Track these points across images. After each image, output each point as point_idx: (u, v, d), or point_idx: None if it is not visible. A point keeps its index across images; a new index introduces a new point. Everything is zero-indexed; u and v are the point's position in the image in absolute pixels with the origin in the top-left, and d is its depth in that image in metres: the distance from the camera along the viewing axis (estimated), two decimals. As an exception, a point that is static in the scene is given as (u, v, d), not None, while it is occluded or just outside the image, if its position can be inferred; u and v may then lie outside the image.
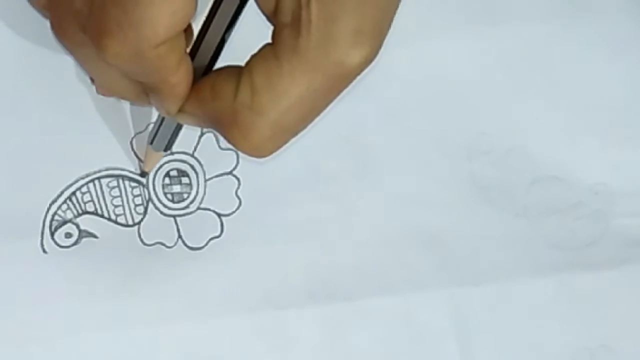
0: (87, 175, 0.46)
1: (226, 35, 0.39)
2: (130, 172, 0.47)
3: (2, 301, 0.45)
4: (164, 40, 0.36)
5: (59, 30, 0.40)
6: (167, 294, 0.47)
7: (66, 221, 0.46)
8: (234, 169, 0.48)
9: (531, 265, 0.50)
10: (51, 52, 0.45)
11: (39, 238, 0.45)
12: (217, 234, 0.47)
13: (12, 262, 0.45)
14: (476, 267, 0.50)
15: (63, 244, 0.46)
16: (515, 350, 0.50)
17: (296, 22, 0.36)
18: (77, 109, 0.45)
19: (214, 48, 0.40)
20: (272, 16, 0.38)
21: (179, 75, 0.39)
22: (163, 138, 0.44)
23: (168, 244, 0.47)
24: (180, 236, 0.47)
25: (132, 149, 0.46)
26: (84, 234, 0.46)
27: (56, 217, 0.45)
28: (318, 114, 0.38)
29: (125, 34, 0.36)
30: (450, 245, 0.49)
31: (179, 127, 0.44)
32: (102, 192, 0.46)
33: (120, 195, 0.46)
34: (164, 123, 0.43)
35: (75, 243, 0.46)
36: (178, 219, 0.47)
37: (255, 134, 0.38)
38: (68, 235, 0.46)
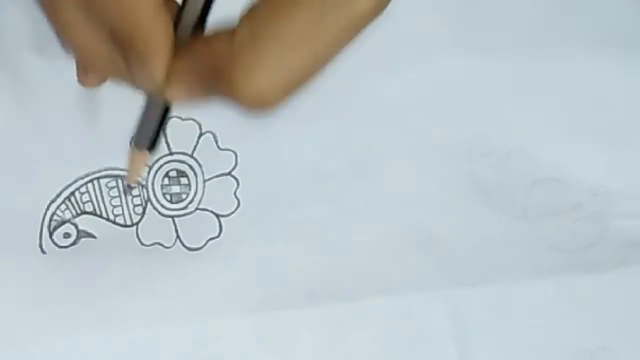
0: (86, 176, 0.46)
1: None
2: (129, 172, 0.47)
3: (1, 301, 0.45)
4: None
5: None
6: (165, 295, 0.46)
7: (65, 221, 0.46)
8: (233, 169, 0.48)
9: (530, 266, 0.50)
10: (51, 53, 0.45)
11: (38, 238, 0.45)
12: (216, 234, 0.47)
13: (10, 263, 0.45)
14: (475, 268, 0.50)
15: (61, 244, 0.46)
16: (514, 352, 0.50)
17: None
18: (76, 110, 0.45)
19: (199, 11, 0.37)
20: None
21: (159, 27, 0.36)
22: (147, 133, 0.41)
23: (166, 245, 0.47)
24: (178, 237, 0.47)
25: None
26: (82, 234, 0.46)
27: (55, 217, 0.45)
28: (322, 64, 0.35)
29: None
30: (450, 246, 0.49)
31: (164, 119, 0.41)
32: (101, 192, 0.46)
33: (119, 196, 0.46)
34: (148, 114, 0.40)
35: (74, 243, 0.46)
36: (176, 219, 0.47)
37: (258, 77, 0.35)
38: (66, 235, 0.46)
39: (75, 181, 0.46)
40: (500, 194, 0.50)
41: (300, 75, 0.35)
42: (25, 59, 0.45)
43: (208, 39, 0.36)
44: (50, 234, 0.45)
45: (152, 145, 0.41)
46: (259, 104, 0.35)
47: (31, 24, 0.45)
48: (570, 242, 0.50)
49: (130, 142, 0.42)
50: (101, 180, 0.46)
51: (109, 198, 0.46)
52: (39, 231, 0.45)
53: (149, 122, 0.41)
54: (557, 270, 0.50)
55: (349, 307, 0.48)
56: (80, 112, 0.46)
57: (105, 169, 0.46)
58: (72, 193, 0.46)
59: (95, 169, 0.46)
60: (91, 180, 0.46)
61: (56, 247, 0.45)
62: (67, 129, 0.45)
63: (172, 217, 0.47)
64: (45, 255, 0.45)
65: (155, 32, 0.36)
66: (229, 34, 0.35)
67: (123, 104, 0.45)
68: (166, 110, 0.40)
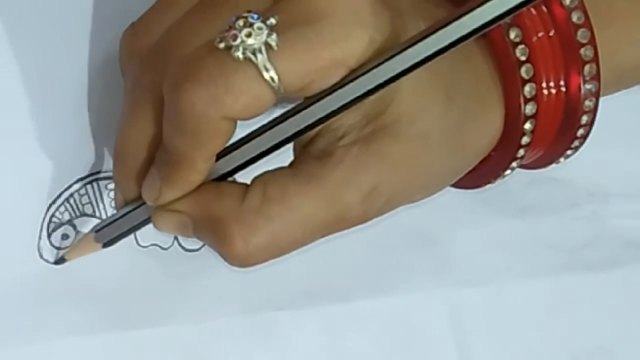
0: (86, 177, 0.46)
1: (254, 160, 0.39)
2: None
3: (1, 302, 0.45)
4: (233, 116, 0.36)
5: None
6: (163, 295, 0.47)
7: (63, 223, 0.46)
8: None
9: (528, 266, 0.50)
10: (52, 53, 0.45)
11: (37, 239, 0.45)
12: (215, 235, 0.47)
13: (9, 264, 0.45)
14: (473, 269, 0.50)
15: (59, 246, 0.46)
16: (512, 352, 0.50)
17: (326, 156, 0.38)
18: (77, 110, 0.46)
19: (235, 165, 0.39)
20: (301, 148, 0.39)
21: (205, 162, 0.38)
22: (113, 233, 0.43)
23: (164, 246, 0.47)
24: (176, 238, 0.47)
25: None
26: (80, 235, 0.46)
27: (54, 219, 0.45)
28: (305, 244, 0.39)
29: (207, 89, 0.36)
30: (448, 247, 0.49)
31: (137, 229, 0.43)
32: (101, 194, 0.46)
33: (119, 197, 0.46)
34: (126, 219, 0.42)
35: (72, 244, 0.46)
36: (175, 220, 0.47)
37: (253, 239, 0.38)
38: (65, 236, 0.46)
39: (75, 182, 0.46)
40: (498, 193, 0.49)
41: (287, 247, 0.39)
42: (25, 59, 0.45)
43: (220, 189, 0.39)
44: (49, 235, 0.45)
45: (109, 244, 0.43)
46: (242, 263, 0.39)
47: (31, 23, 0.45)
48: (567, 242, 0.50)
49: (93, 229, 0.44)
50: (100, 182, 0.46)
51: (109, 200, 0.46)
52: (38, 233, 0.45)
53: (122, 225, 0.42)
54: (554, 269, 0.50)
55: (348, 308, 0.48)
56: (81, 113, 0.46)
57: (105, 171, 0.46)
58: (72, 195, 0.46)
59: (95, 171, 0.46)
60: (90, 182, 0.46)
61: (54, 249, 0.45)
62: (67, 130, 0.45)
63: (170, 218, 0.47)
64: (42, 257, 0.45)
65: (199, 166, 0.38)
66: (242, 189, 0.39)
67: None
68: (143, 223, 0.42)
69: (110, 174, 0.46)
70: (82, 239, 0.44)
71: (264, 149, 0.38)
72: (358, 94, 0.37)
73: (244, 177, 0.40)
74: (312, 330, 0.48)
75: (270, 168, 0.39)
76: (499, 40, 0.40)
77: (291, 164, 0.39)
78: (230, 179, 0.40)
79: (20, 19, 0.44)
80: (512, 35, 0.40)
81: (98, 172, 0.46)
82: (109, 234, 0.43)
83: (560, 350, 0.50)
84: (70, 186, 0.46)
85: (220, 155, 0.39)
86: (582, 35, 0.40)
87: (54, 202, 0.45)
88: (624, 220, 0.50)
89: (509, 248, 0.50)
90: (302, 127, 0.37)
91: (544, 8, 0.40)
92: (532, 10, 0.40)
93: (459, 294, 0.49)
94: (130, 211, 0.42)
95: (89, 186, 0.46)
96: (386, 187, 0.39)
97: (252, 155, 0.38)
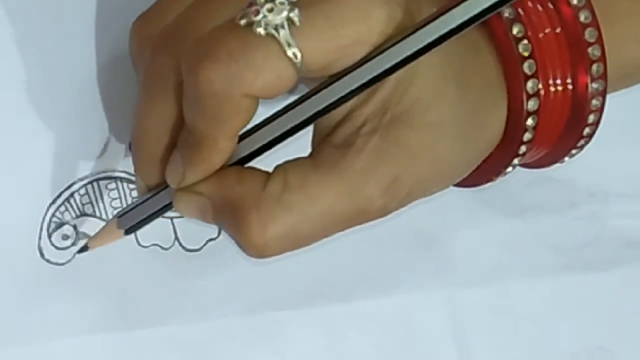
0: (86, 177, 0.46)
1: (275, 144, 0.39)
2: (129, 174, 0.47)
3: (1, 302, 0.45)
4: (254, 93, 0.36)
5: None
6: (164, 296, 0.47)
7: (64, 223, 0.46)
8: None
9: (528, 266, 0.50)
10: (52, 51, 0.45)
11: (37, 239, 0.45)
12: (215, 235, 0.47)
13: (10, 264, 0.45)
14: (474, 269, 0.50)
15: (60, 246, 0.46)
16: (513, 352, 0.50)
17: (347, 146, 0.38)
18: (77, 110, 0.46)
19: (259, 146, 0.39)
20: (321, 138, 0.39)
21: (228, 141, 0.38)
22: (135, 219, 0.42)
23: (164, 246, 0.47)
24: (177, 238, 0.47)
25: (131, 151, 0.46)
26: (81, 235, 0.46)
27: (54, 219, 0.45)
28: (324, 237, 0.39)
29: (228, 67, 0.35)
30: (448, 247, 0.49)
31: (159, 215, 0.42)
32: (101, 194, 0.46)
33: (119, 197, 0.47)
34: (148, 204, 0.42)
35: (73, 245, 0.46)
36: (175, 220, 0.47)
37: (272, 228, 0.37)
38: (65, 237, 0.46)
39: (75, 183, 0.46)
40: (498, 193, 0.50)
41: (305, 239, 0.39)
42: (25, 58, 0.45)
43: (242, 174, 0.38)
44: (49, 236, 0.45)
45: (131, 231, 0.43)
46: (259, 253, 0.38)
47: (31, 22, 0.45)
48: (567, 242, 0.50)
49: (116, 215, 0.43)
50: (101, 182, 0.46)
51: (109, 200, 0.46)
52: (38, 233, 0.45)
53: (144, 211, 0.42)
54: (555, 269, 0.50)
55: (348, 308, 0.48)
56: (82, 113, 0.46)
57: (105, 171, 0.46)
58: (72, 195, 0.46)
59: (95, 171, 0.46)
60: (91, 182, 0.46)
61: (55, 249, 0.45)
62: (67, 130, 0.45)
63: (171, 218, 0.47)
64: (43, 257, 0.45)
65: (222, 146, 0.38)
66: (264, 176, 0.38)
67: (125, 104, 0.46)
68: (165, 208, 0.41)
69: (111, 174, 0.46)
70: (104, 226, 0.44)
71: (287, 128, 0.38)
72: (379, 71, 0.36)
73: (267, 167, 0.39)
74: (312, 330, 0.48)
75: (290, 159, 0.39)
76: (501, 35, 0.40)
77: (311, 154, 0.39)
78: (251, 163, 0.39)
79: (24, 17, 0.44)
80: (515, 30, 0.40)
81: (98, 172, 0.46)
82: (131, 220, 0.42)
83: (560, 350, 0.50)
84: (70, 186, 0.46)
85: (242, 138, 0.38)
86: (589, 34, 0.40)
87: (54, 202, 0.45)
88: (624, 220, 0.50)
89: (509, 248, 0.50)
90: (326, 104, 0.37)
91: (550, 5, 0.41)
92: (539, 7, 0.40)
93: (459, 294, 0.49)
94: (152, 196, 0.41)
95: (89, 186, 0.46)
96: (406, 178, 0.38)
97: (276, 135, 0.38)
